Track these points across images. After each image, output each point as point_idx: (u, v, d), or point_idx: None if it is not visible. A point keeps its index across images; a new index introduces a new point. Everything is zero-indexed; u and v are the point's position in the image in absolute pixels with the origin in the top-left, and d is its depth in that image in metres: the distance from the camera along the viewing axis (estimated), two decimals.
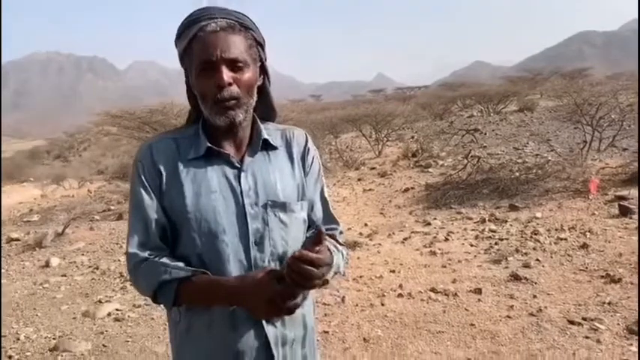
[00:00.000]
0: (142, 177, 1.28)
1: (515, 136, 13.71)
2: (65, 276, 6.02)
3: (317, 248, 1.13)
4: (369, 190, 9.99)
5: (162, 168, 1.28)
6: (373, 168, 12.49)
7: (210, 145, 1.28)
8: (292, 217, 1.33)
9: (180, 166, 1.28)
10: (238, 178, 1.28)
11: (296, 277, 1.11)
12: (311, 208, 1.43)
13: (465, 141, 13.11)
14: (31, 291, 5.56)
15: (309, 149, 1.43)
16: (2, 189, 17.64)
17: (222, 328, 1.26)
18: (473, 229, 6.46)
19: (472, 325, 3.88)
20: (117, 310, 4.71)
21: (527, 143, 12.16)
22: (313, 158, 1.44)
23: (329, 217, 1.48)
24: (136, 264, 1.26)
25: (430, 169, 10.84)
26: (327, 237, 1.23)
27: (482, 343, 3.61)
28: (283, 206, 1.31)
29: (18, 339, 4.21)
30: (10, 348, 4.03)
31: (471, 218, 6.98)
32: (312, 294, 1.41)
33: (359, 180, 11.20)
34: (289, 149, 1.40)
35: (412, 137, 16.23)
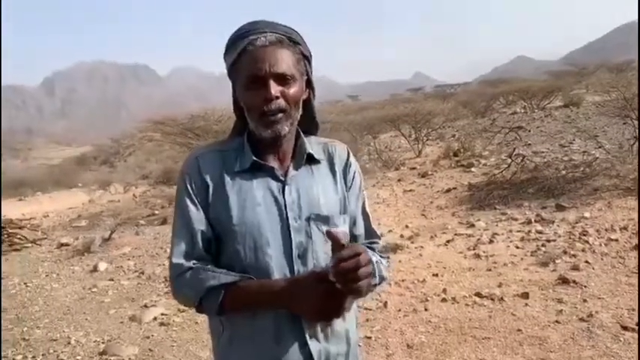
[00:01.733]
0: (189, 188, 1.30)
1: (560, 132, 13.31)
2: (112, 280, 6.18)
3: (348, 250, 1.10)
4: (410, 190, 9.88)
5: (208, 180, 1.30)
6: (413, 168, 12.34)
7: (255, 158, 1.30)
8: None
9: (227, 179, 1.30)
10: (282, 191, 1.30)
11: (343, 278, 1.10)
12: (353, 222, 1.43)
13: (508, 139, 12.80)
14: (80, 295, 5.73)
15: (350, 164, 1.44)
16: (52, 195, 18.29)
17: (266, 341, 1.27)
18: (518, 231, 6.30)
19: (519, 330, 3.78)
20: (162, 314, 4.80)
21: (574, 140, 11.78)
22: (355, 173, 1.45)
23: (370, 232, 1.48)
24: (179, 274, 1.27)
25: (472, 169, 10.64)
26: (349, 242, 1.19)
27: (530, 349, 3.51)
28: (326, 220, 1.32)
29: (69, 343, 4.34)
30: (62, 352, 4.15)
31: (516, 219, 6.81)
32: (355, 310, 1.40)
33: (399, 180, 11.09)
34: (331, 163, 1.41)
35: (453, 136, 15.98)
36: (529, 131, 14.12)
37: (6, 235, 8.77)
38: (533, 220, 6.58)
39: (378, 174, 12.21)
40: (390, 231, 7.12)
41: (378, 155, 14.08)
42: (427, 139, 15.23)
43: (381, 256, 1.43)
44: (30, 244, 8.78)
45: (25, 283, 6.34)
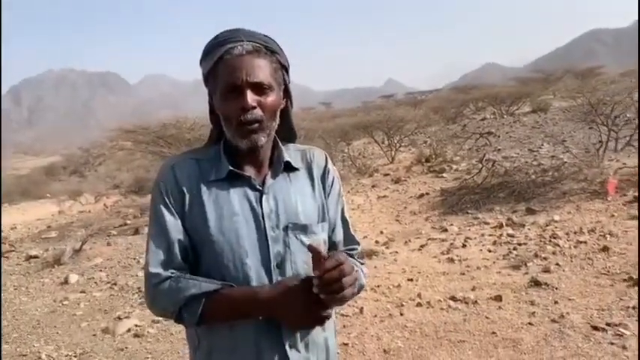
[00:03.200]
0: (165, 197, 1.28)
1: (529, 137, 13.60)
2: (84, 292, 6.06)
3: (330, 260, 1.11)
4: (384, 196, 9.96)
5: (185, 189, 1.28)
6: (387, 174, 12.44)
7: (232, 168, 1.29)
8: (314, 239, 1.31)
9: (203, 188, 1.28)
10: (260, 200, 1.29)
11: (329, 288, 1.11)
12: (332, 229, 1.43)
13: (478, 144, 13.02)
14: (51, 308, 5.60)
15: (329, 170, 1.44)
16: (20, 206, 17.86)
17: (247, 353, 1.25)
18: (490, 235, 6.40)
19: (493, 333, 3.84)
20: (136, 325, 4.72)
21: (542, 145, 12.05)
22: (334, 179, 1.45)
23: (349, 238, 1.48)
24: (157, 283, 1.24)
25: (444, 174, 10.78)
26: (327, 255, 1.19)
27: (504, 351, 3.56)
28: (304, 228, 1.31)
29: (39, 358, 4.24)
30: None
31: (488, 223, 6.92)
32: (333, 318, 1.41)
33: (373, 187, 11.16)
34: (310, 170, 1.41)
35: (425, 142, 16.17)
36: (499, 137, 14.39)
37: None
38: (504, 223, 6.70)
39: (352, 180, 12.27)
40: (365, 237, 7.16)
41: (352, 162, 14.16)
42: (400, 146, 15.38)
43: (361, 262, 1.45)
44: None
45: None
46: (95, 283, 6.43)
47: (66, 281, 6.56)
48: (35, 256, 8.28)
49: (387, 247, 6.50)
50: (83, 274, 6.88)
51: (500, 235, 6.30)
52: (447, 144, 14.06)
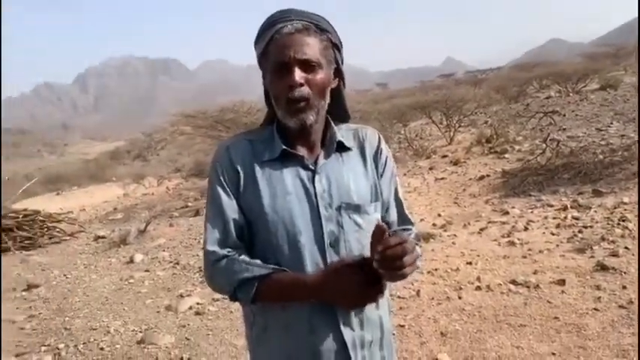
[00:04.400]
0: (221, 178, 1.31)
1: (597, 116, 12.94)
2: (148, 271, 6.31)
3: (394, 237, 1.12)
4: (442, 179, 9.77)
5: (239, 169, 1.30)
6: (445, 156, 12.20)
7: (285, 147, 1.30)
8: (366, 219, 1.31)
9: (257, 168, 1.30)
10: (312, 180, 1.29)
11: (390, 264, 1.10)
12: (385, 209, 1.42)
13: (542, 124, 12.52)
14: (118, 286, 5.86)
15: (381, 149, 1.42)
16: (88, 189, 18.75)
17: (300, 330, 1.27)
18: (554, 217, 6.16)
19: (556, 318, 3.70)
20: (197, 303, 4.88)
21: (611, 123, 11.44)
22: (387, 158, 1.43)
23: (404, 218, 1.47)
24: (214, 261, 1.28)
25: (506, 155, 10.45)
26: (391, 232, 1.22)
27: (567, 337, 3.44)
28: (357, 208, 1.31)
29: (108, 332, 4.45)
30: (102, 340, 4.26)
31: (551, 205, 6.66)
32: (388, 297, 1.40)
33: (430, 169, 10.98)
34: (362, 150, 1.40)
35: (486, 122, 15.70)
36: (564, 115, 13.78)
37: (46, 229, 9.04)
38: (569, 206, 6.43)
39: (409, 163, 12.12)
40: (422, 220, 7.06)
41: (409, 144, 13.96)
42: (459, 126, 14.99)
43: (416, 243, 1.42)
44: (68, 237, 9.04)
45: (65, 275, 6.52)
46: (159, 262, 6.68)
47: (131, 260, 6.86)
48: (103, 237, 8.69)
49: (445, 230, 6.39)
50: (147, 253, 7.17)
51: (565, 217, 6.05)
52: (509, 124, 13.61)
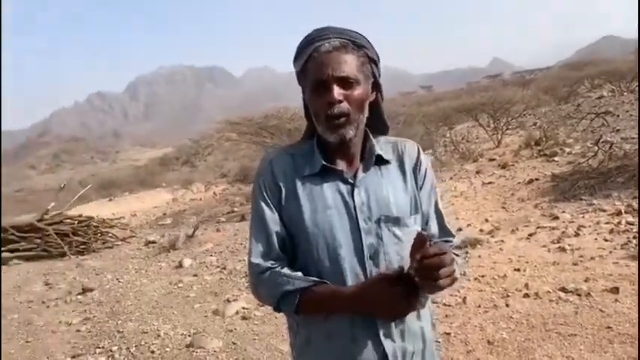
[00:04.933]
0: (263, 192, 1.36)
1: None
2: (196, 276, 6.45)
3: (433, 247, 1.14)
4: (489, 183, 9.58)
5: (281, 184, 1.35)
6: (492, 159, 11.97)
7: (324, 163, 1.33)
8: (406, 232, 1.33)
9: (298, 182, 1.34)
10: (352, 193, 1.32)
11: (427, 273, 1.12)
12: (426, 221, 1.42)
13: (594, 125, 12.09)
14: (167, 290, 6.02)
15: (421, 162, 1.43)
16: (139, 195, 19.31)
17: (342, 340, 1.29)
18: (607, 222, 5.95)
19: (609, 327, 3.57)
20: (244, 308, 4.95)
21: None
22: (426, 170, 1.44)
23: (444, 230, 1.46)
24: (259, 274, 1.33)
25: (556, 158, 10.17)
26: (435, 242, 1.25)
27: (621, 347, 3.31)
28: (397, 221, 1.33)
29: (159, 335, 4.57)
30: (152, 344, 4.38)
31: (604, 210, 6.43)
32: (430, 308, 1.40)
33: (477, 172, 10.79)
34: (401, 163, 1.41)
35: (535, 124, 15.32)
36: (617, 116, 13.26)
37: (99, 234, 9.38)
38: (623, 210, 6.20)
39: (455, 166, 11.95)
40: (468, 225, 6.96)
41: (455, 147, 13.77)
42: (507, 129, 14.68)
43: (456, 254, 1.41)
44: (120, 242, 9.34)
45: (117, 279, 6.74)
46: (206, 267, 6.82)
47: (180, 265, 7.02)
48: (153, 242, 8.94)
49: (493, 236, 6.26)
50: (195, 258, 7.32)
51: (619, 222, 5.83)
52: (558, 125, 13.23)
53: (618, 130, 11.21)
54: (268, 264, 1.32)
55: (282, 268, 1.31)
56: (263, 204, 1.35)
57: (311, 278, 1.28)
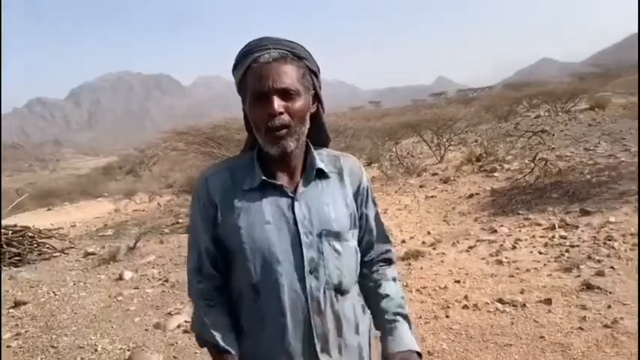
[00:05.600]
0: (198, 209, 1.37)
1: (585, 136, 13.12)
2: (137, 288, 6.28)
3: None
4: (432, 196, 9.83)
5: (217, 200, 1.34)
6: (435, 174, 12.28)
7: (264, 178, 1.32)
8: (345, 246, 1.35)
9: (235, 198, 1.33)
10: (292, 207, 1.31)
11: None
12: (369, 232, 1.47)
13: (531, 143, 12.67)
14: (106, 303, 5.83)
15: (362, 177, 1.45)
16: (79, 204, 18.66)
17: (279, 355, 1.29)
18: (542, 236, 6.22)
19: (542, 337, 3.74)
20: (186, 322, 4.86)
21: (599, 143, 11.60)
22: (367, 186, 1.46)
23: (383, 238, 1.51)
24: (191, 290, 1.40)
25: (495, 174, 10.54)
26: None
27: (552, 356, 3.47)
28: (337, 235, 1.33)
29: (95, 350, 4.43)
30: (89, 359, 4.24)
31: (539, 224, 6.73)
32: (370, 323, 1.43)
33: (421, 187, 11.04)
34: (342, 177, 1.42)
35: (476, 141, 15.86)
36: (553, 135, 13.95)
37: (36, 245, 8.98)
38: (557, 225, 6.50)
39: (400, 180, 12.18)
40: (411, 237, 7.11)
41: (400, 161, 14.04)
42: (449, 145, 15.13)
43: (391, 262, 1.51)
44: (58, 254, 8.98)
45: (53, 292, 6.47)
46: (148, 279, 6.66)
47: (121, 277, 6.82)
48: (93, 253, 8.64)
49: (434, 248, 6.43)
50: (137, 270, 7.14)
51: (553, 236, 6.12)
52: (498, 142, 13.75)
53: (553, 148, 11.79)
54: (201, 286, 1.38)
55: (210, 305, 1.35)
56: (197, 221, 1.37)
57: (221, 344, 1.31)
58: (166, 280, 6.44)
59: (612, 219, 6.30)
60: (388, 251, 1.52)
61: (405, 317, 1.43)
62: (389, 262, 1.51)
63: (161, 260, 7.60)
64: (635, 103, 13.63)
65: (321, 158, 1.40)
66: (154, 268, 7.19)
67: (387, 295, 1.44)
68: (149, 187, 20.52)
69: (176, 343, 4.43)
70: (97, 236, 10.62)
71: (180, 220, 10.87)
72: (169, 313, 5.21)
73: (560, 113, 20.19)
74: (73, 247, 9.44)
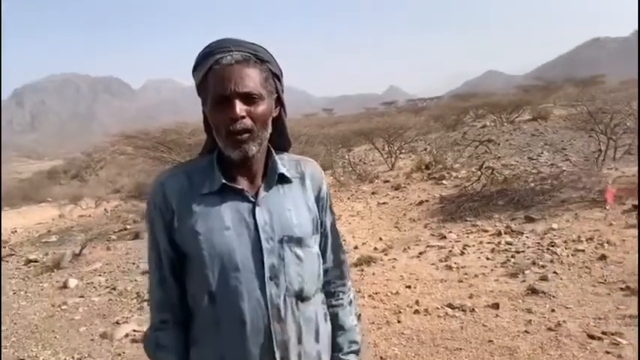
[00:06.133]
0: (155, 214, 1.30)
1: (529, 145, 13.63)
2: (83, 297, 6.07)
3: None
4: (384, 203, 9.96)
5: (174, 205, 1.28)
6: (387, 181, 12.46)
7: (224, 181, 1.28)
8: (307, 252, 1.32)
9: (193, 203, 1.28)
10: (253, 212, 1.28)
11: None
12: (324, 240, 1.45)
13: (478, 152, 13.04)
14: (49, 313, 5.61)
15: (322, 182, 1.44)
16: (21, 210, 17.88)
17: None
18: (489, 242, 6.41)
19: (490, 341, 3.84)
20: (134, 331, 4.73)
21: (542, 153, 12.08)
22: (327, 192, 1.45)
23: (339, 249, 1.50)
24: (151, 304, 1.37)
25: (444, 181, 10.80)
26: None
27: (500, 359, 3.57)
28: (299, 241, 1.31)
29: None
30: None
31: (486, 231, 6.93)
32: (329, 331, 1.42)
33: (373, 193, 11.18)
34: (304, 182, 1.39)
35: (425, 149, 16.21)
36: (499, 144, 14.42)
37: None
38: (503, 231, 6.71)
39: (352, 187, 12.28)
40: (363, 243, 7.17)
41: (353, 168, 14.18)
42: (400, 153, 15.42)
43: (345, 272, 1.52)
44: None
45: None
46: (94, 287, 6.44)
47: (65, 286, 6.58)
48: (35, 260, 8.30)
49: (386, 254, 6.51)
50: (82, 278, 6.90)
51: (499, 242, 6.31)
52: (447, 151, 14.09)
53: (499, 157, 12.18)
54: (161, 296, 1.34)
55: (167, 323, 1.32)
56: (154, 227, 1.31)
57: None
58: (114, 288, 6.25)
59: (555, 225, 6.56)
60: (343, 262, 1.51)
61: (356, 353, 1.48)
62: (342, 276, 1.50)
63: (108, 267, 7.37)
64: (575, 114, 14.27)
65: (283, 163, 1.37)
66: (100, 275, 6.97)
67: (342, 328, 1.46)
68: (96, 192, 19.85)
69: (123, 352, 4.30)
70: (40, 243, 10.21)
71: (128, 227, 10.59)
72: (117, 322, 5.06)
73: (505, 123, 20.91)
74: (13, 254, 9.05)
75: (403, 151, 15.81)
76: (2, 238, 10.39)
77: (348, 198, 10.95)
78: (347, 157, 16.35)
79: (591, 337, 3.70)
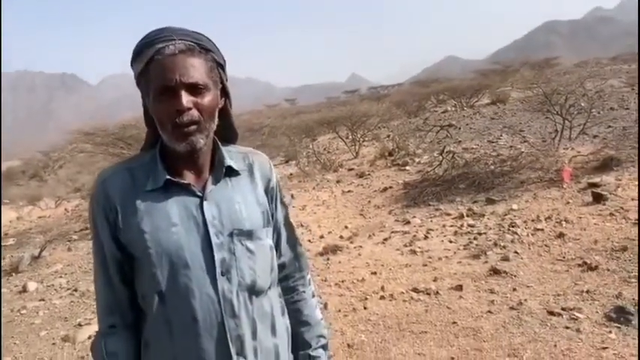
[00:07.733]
0: (98, 214, 1.25)
1: (488, 129, 13.85)
2: (43, 300, 5.91)
3: None
4: (348, 191, 9.99)
5: (117, 204, 1.23)
6: (351, 169, 12.50)
7: (169, 177, 1.24)
8: (259, 245, 1.30)
9: (137, 200, 1.23)
10: (201, 207, 1.24)
11: None
12: (277, 234, 1.43)
13: (439, 137, 13.18)
14: (8, 318, 5.44)
15: (272, 174, 1.41)
16: None
17: None
18: (452, 225, 6.50)
19: (454, 323, 3.91)
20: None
21: (501, 136, 12.29)
22: (277, 184, 1.43)
23: (294, 241, 1.48)
24: (98, 309, 1.31)
25: (407, 167, 10.88)
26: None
27: (464, 340, 3.63)
28: (250, 234, 1.28)
29: None
30: None
31: (449, 214, 7.03)
32: (287, 325, 1.40)
33: (338, 182, 11.19)
34: (252, 174, 1.37)
35: (388, 136, 16.29)
36: (459, 129, 14.61)
37: None
38: (465, 214, 6.82)
39: (317, 176, 12.28)
40: (330, 232, 7.19)
41: (317, 158, 14.17)
42: (363, 140, 15.46)
43: (304, 268, 1.51)
44: None
45: None
46: (55, 290, 6.28)
47: (24, 289, 6.39)
48: None
49: (352, 242, 6.54)
50: (42, 281, 6.71)
51: (461, 225, 6.41)
52: (409, 137, 14.21)
53: (460, 142, 12.35)
54: (111, 296, 1.28)
55: (115, 328, 1.27)
56: (97, 227, 1.25)
57: None
58: (75, 290, 6.11)
59: (515, 206, 6.70)
60: (300, 255, 1.49)
61: (325, 347, 1.47)
62: (300, 269, 1.49)
63: (69, 269, 7.20)
64: (531, 96, 14.57)
65: (230, 155, 1.34)
66: (61, 277, 6.79)
67: (307, 323, 1.45)
68: (55, 191, 19.29)
69: (87, 355, 4.21)
70: None
71: (89, 226, 10.34)
72: (79, 324, 4.95)
73: (465, 108, 21.23)
74: None
75: (366, 138, 15.87)
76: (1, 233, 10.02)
77: (313, 188, 10.94)
78: (311, 146, 16.32)
79: (551, 313, 3.81)
